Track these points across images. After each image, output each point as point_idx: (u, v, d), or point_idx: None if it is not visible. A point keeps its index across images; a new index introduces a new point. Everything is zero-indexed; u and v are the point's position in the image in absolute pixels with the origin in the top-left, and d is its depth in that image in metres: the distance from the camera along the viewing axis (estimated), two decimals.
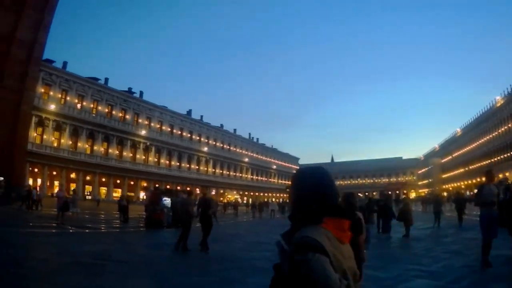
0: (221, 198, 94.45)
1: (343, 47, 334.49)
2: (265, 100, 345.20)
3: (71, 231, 24.30)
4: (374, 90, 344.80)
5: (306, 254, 2.00)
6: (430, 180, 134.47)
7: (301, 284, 2.01)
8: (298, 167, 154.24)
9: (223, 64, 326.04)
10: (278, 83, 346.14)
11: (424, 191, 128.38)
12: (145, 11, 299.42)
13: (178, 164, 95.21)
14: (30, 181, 60.00)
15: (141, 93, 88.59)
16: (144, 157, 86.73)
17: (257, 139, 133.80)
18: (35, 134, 66.09)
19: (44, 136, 67.69)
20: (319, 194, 2.27)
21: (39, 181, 65.28)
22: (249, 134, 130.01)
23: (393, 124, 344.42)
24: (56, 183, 67.29)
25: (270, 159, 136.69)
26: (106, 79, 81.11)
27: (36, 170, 65.58)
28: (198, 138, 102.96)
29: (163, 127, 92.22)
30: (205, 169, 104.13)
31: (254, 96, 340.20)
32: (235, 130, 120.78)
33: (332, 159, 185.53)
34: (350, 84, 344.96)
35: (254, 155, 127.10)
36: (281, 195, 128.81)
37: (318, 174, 2.35)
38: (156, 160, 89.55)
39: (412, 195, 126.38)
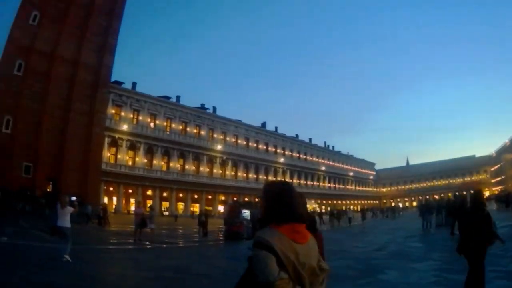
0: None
1: (404, 46, 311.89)
2: (338, 106, 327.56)
3: (148, 246, 22.73)
4: (439, 90, 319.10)
5: (255, 250, 2.43)
6: (502, 177, 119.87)
7: (252, 277, 2.42)
8: (374, 173, 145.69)
9: (293, 74, 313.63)
10: (347, 88, 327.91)
11: (497, 189, 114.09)
12: (211, 24, 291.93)
13: (255, 176, 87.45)
14: (105, 200, 56.87)
15: (214, 108, 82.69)
16: (221, 171, 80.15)
17: (333, 146, 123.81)
18: (109, 154, 62.45)
19: (118, 156, 63.69)
20: (280, 204, 2.59)
21: (114, 199, 61.92)
22: (325, 142, 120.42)
23: (464, 121, 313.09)
24: (132, 200, 62.44)
25: (346, 166, 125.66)
26: (178, 97, 76.11)
27: (111, 188, 62.09)
28: (274, 149, 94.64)
29: (239, 141, 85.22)
30: (283, 179, 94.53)
31: (327, 104, 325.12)
32: (310, 139, 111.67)
33: (407, 162, 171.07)
34: (415, 83, 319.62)
35: (330, 163, 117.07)
36: (359, 201, 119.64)
37: (280, 189, 2.71)
38: (233, 173, 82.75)
39: (486, 193, 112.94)
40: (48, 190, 47.53)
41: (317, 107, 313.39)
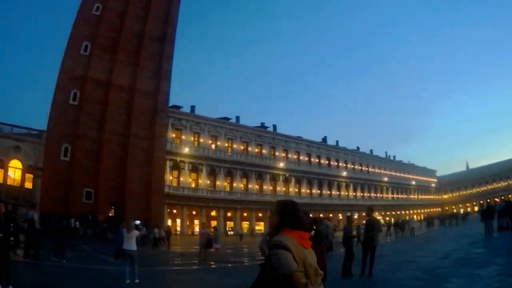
0: (363, 221, 77.58)
1: (459, 44, 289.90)
2: (396, 115, 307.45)
3: (214, 266, 21.06)
4: (496, 89, 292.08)
5: (275, 250, 2.78)
6: None
7: (273, 271, 2.74)
8: (436, 180, 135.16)
9: (351, 87, 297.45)
10: (403, 96, 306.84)
11: None
12: (264, 43, 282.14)
13: (319, 191, 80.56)
14: (169, 222, 52.68)
15: (274, 126, 76.83)
16: (284, 189, 73.96)
17: (394, 156, 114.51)
18: (171, 177, 58.70)
19: (181, 178, 59.90)
20: (292, 215, 3.04)
21: (178, 221, 58.31)
22: (385, 153, 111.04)
23: None
24: (196, 221, 58.22)
25: (408, 175, 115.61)
26: (237, 117, 71.21)
27: (174, 211, 58.36)
28: (336, 163, 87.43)
29: (301, 157, 78.88)
30: (346, 193, 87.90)
31: (386, 114, 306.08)
32: (371, 151, 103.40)
33: (467, 166, 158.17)
34: (471, 83, 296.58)
35: (392, 173, 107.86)
36: (422, 210, 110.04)
37: (292, 203, 3.20)
38: (296, 190, 76.09)
39: None
40: (110, 214, 45.92)
41: (376, 118, 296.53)
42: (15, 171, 45.17)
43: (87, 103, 48.34)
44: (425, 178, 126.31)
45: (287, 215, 3.02)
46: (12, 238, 9.97)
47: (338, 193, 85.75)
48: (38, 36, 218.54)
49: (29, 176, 45.48)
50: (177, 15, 58.52)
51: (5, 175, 43.89)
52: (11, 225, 9.95)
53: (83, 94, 48.30)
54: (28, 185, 45.08)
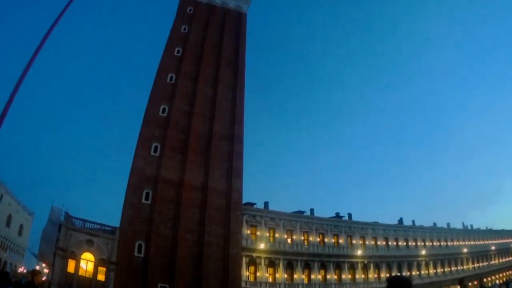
0: None
1: None
2: (469, 181, 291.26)
3: None
4: None
5: None
6: None
7: None
8: None
9: (417, 165, 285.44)
10: (472, 166, 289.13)
11: None
12: (331, 137, 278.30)
13: (398, 274, 75.02)
14: None
15: (350, 215, 73.98)
16: (363, 276, 69.71)
17: (471, 225, 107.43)
18: (248, 273, 56.64)
19: (258, 273, 57.57)
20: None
21: None
22: (463, 223, 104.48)
23: None
24: None
25: (487, 241, 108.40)
26: (311, 210, 68.83)
27: None
28: (413, 243, 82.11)
29: (378, 242, 74.95)
30: (426, 272, 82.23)
31: (458, 182, 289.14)
32: (448, 224, 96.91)
33: None
34: None
35: (471, 242, 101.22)
36: (504, 273, 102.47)
37: (404, 279, 3.76)
38: (376, 275, 71.48)
39: None
40: None
41: (450, 188, 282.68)
42: (87, 263, 46.20)
43: (160, 202, 49.14)
44: (505, 240, 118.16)
45: None
46: None
47: (418, 272, 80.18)
48: (108, 136, 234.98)
49: (102, 269, 46.23)
50: (243, 115, 59.15)
51: (77, 266, 45.15)
52: None
53: (156, 193, 49.11)
54: (101, 277, 45.90)
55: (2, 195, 72.63)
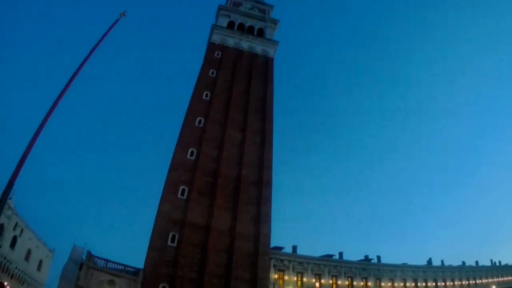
0: None
1: None
2: (495, 217, 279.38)
3: None
4: None
5: None
6: None
7: None
8: None
9: (446, 201, 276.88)
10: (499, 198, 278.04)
11: None
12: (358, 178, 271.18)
13: None
14: None
15: (379, 258, 71.77)
16: None
17: (499, 262, 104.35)
18: None
19: None
20: None
21: None
22: (491, 260, 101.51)
23: None
24: None
25: None
26: (340, 253, 67.09)
27: None
28: (442, 283, 79.62)
29: (407, 284, 72.58)
30: None
31: (486, 218, 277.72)
32: (477, 262, 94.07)
33: None
34: None
35: (499, 279, 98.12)
36: None
37: None
38: None
39: None
40: None
41: (478, 222, 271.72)
42: None
43: (186, 245, 48.18)
44: None
45: None
46: None
47: None
48: (132, 179, 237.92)
49: None
50: (271, 159, 58.29)
51: None
52: None
53: (182, 236, 48.28)
54: None
55: (22, 230, 72.34)
